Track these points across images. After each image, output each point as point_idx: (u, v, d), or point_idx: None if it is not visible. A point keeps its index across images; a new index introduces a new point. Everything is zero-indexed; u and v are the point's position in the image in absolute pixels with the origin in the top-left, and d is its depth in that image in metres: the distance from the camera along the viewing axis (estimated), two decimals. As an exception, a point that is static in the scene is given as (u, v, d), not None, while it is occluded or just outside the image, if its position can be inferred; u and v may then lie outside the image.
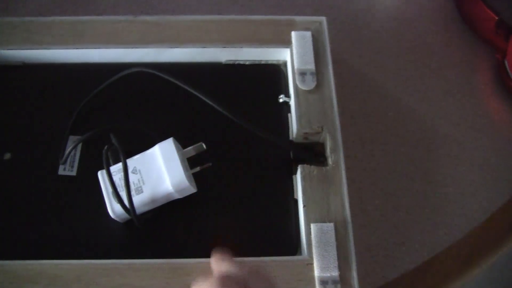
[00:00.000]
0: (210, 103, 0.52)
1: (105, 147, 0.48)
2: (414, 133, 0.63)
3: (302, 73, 0.55)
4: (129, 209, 0.47)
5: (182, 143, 0.51)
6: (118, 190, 0.48)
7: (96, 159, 0.49)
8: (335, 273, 0.47)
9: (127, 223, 0.50)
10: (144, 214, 0.50)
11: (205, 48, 0.57)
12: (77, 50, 0.57)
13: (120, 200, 0.47)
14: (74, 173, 0.53)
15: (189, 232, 0.51)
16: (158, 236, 0.51)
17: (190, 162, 0.51)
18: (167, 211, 0.51)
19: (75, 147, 0.52)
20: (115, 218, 0.49)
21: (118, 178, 0.49)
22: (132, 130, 0.54)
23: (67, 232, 0.50)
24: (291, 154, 0.55)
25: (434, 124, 0.64)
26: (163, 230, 0.51)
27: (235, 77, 0.58)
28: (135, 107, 0.56)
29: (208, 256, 0.47)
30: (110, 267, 0.47)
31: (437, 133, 0.64)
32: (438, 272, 0.57)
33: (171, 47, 0.57)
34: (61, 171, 0.53)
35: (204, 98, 0.53)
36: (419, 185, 0.61)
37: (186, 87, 0.53)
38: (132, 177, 0.49)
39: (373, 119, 0.64)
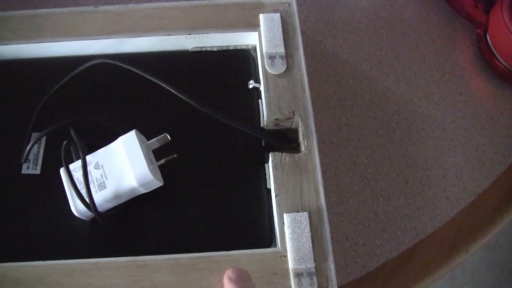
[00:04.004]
0: (174, 91, 0.50)
1: (64, 143, 0.47)
2: (393, 115, 0.61)
3: (271, 57, 0.53)
4: (90, 205, 0.46)
5: (148, 135, 0.49)
6: (80, 187, 0.46)
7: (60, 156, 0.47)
8: (310, 265, 0.45)
9: (92, 221, 0.49)
10: (110, 210, 0.48)
11: (169, 36, 0.55)
12: (37, 44, 0.55)
13: (80, 197, 0.46)
14: (38, 171, 0.51)
15: (157, 227, 0.49)
16: (124, 233, 0.49)
17: (156, 155, 0.49)
18: (133, 206, 0.49)
19: (34, 144, 0.50)
20: (79, 216, 0.48)
21: (81, 174, 0.47)
22: (94, 124, 0.52)
23: (31, 233, 0.48)
24: (263, 142, 0.53)
25: (413, 105, 0.62)
26: (130, 227, 0.49)
27: (203, 64, 0.56)
28: (99, 100, 0.54)
29: (177, 252, 0.46)
30: (74, 267, 0.45)
31: (416, 114, 0.61)
32: (421, 260, 0.56)
33: (134, 37, 0.55)
34: (24, 170, 0.51)
35: (166, 87, 0.51)
36: (399, 169, 0.59)
37: (147, 76, 0.51)
38: (94, 173, 0.47)
39: (349, 102, 0.62)
